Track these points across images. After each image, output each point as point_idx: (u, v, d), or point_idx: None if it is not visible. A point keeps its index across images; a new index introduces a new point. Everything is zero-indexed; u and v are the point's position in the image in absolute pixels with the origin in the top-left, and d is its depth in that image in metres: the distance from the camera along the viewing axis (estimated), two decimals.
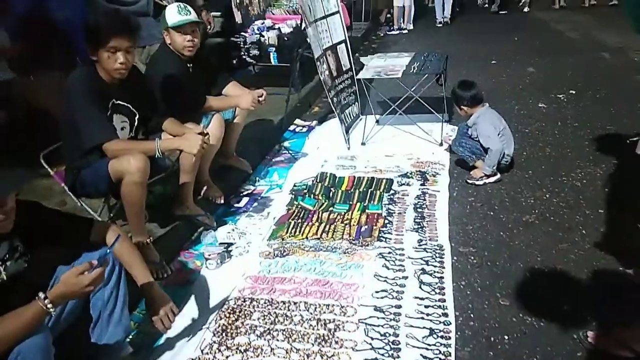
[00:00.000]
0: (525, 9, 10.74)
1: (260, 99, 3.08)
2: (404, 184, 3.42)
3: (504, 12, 10.85)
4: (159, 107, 2.71)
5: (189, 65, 3.03)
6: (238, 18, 5.43)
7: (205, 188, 3.16)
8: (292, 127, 4.75)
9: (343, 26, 4.69)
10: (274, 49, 5.06)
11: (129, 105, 2.48)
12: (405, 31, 9.24)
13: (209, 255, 2.66)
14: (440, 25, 9.78)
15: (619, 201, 3.07)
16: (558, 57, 6.71)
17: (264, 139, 4.29)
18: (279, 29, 5.38)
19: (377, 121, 4.55)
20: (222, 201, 3.24)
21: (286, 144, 4.35)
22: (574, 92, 5.16)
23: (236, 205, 3.38)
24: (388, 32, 9.24)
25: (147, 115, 2.60)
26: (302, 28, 4.05)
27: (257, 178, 3.75)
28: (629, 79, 5.50)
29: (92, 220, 1.98)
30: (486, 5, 11.62)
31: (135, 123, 2.55)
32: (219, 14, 5.16)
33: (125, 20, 2.29)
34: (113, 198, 2.57)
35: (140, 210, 2.36)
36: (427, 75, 4.11)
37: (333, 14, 4.50)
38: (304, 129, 4.71)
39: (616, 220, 2.86)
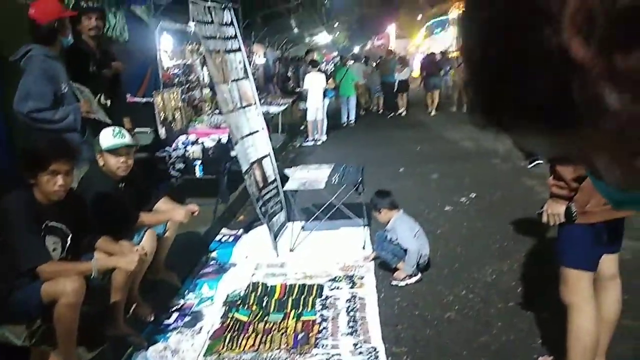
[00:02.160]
0: (403, 113, 13.52)
1: (194, 214, 3.18)
2: (334, 289, 3.56)
3: (390, 114, 13.55)
4: (92, 227, 2.72)
5: (120, 184, 3.10)
6: (162, 134, 5.62)
7: (135, 305, 3.08)
8: (218, 237, 4.80)
9: (268, 141, 5.03)
10: (199, 161, 5.24)
11: (62, 226, 2.48)
12: (319, 142, 9.93)
13: None
14: (345, 125, 11.83)
15: (525, 293, 3.42)
16: (456, 163, 7.54)
17: (191, 251, 4.29)
18: (202, 143, 5.61)
19: (303, 227, 4.77)
20: (152, 318, 3.16)
21: (213, 254, 4.38)
22: (474, 195, 5.78)
23: (166, 321, 3.29)
24: (303, 144, 9.86)
25: (79, 235, 2.59)
26: (232, 144, 4.32)
27: (186, 291, 3.70)
28: (518, 182, 6.29)
29: (28, 349, 1.89)
30: (380, 110, 14.22)
31: (67, 243, 2.53)
32: (148, 130, 5.31)
33: (65, 143, 2.37)
34: (40, 322, 2.45)
35: (73, 334, 2.27)
36: (346, 184, 4.48)
37: (258, 131, 4.83)
38: (231, 239, 4.78)
39: (526, 311, 3.18)
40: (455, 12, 21.48)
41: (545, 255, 3.76)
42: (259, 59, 13.12)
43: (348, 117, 11.98)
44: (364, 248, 4.27)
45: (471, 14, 0.35)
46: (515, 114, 0.34)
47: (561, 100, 0.31)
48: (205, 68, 8.21)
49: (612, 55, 0.29)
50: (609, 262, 2.38)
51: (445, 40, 21.94)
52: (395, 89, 13.49)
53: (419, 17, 27.63)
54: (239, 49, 4.82)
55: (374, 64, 15.10)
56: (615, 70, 0.30)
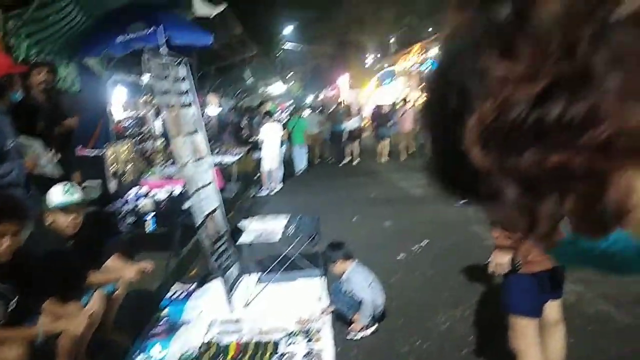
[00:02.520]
0: (355, 161, 13.84)
1: (147, 271, 3.11)
2: (290, 344, 3.51)
3: (342, 163, 13.94)
4: (38, 289, 2.60)
5: (68, 242, 3.00)
6: (113, 187, 5.50)
7: None
8: (170, 293, 4.66)
9: (218, 194, 5.01)
10: (151, 215, 5.14)
11: (5, 290, 2.36)
12: (274, 191, 9.97)
13: None
14: (298, 173, 12.07)
15: (478, 340, 3.50)
16: (408, 210, 7.74)
17: (142, 309, 4.14)
18: (153, 196, 5.52)
19: (259, 280, 4.71)
20: None
21: (165, 312, 4.24)
22: (425, 242, 5.92)
23: None
24: (258, 194, 9.86)
25: (25, 298, 2.47)
26: (186, 196, 4.29)
27: (137, 352, 3.54)
28: (467, 229, 6.50)
29: None
30: (332, 160, 14.57)
31: (10, 307, 2.40)
32: (96, 182, 5.19)
33: (14, 202, 2.31)
34: None
35: None
36: (302, 236, 4.51)
37: (209, 184, 4.82)
38: (183, 294, 4.65)
39: (479, 358, 3.24)
40: (401, 64, 22.56)
41: (496, 302, 3.88)
42: (213, 109, 13.22)
43: (300, 165, 12.31)
44: (320, 300, 4.26)
45: (424, 110, 0.44)
46: (452, 187, 0.45)
47: (476, 186, 0.41)
48: (158, 119, 8.20)
49: (505, 159, 0.38)
50: (553, 308, 2.51)
51: (395, 90, 22.88)
52: (344, 138, 13.85)
53: (369, 66, 28.75)
54: (192, 104, 4.86)
55: (328, 114, 15.56)
56: (508, 170, 0.38)
